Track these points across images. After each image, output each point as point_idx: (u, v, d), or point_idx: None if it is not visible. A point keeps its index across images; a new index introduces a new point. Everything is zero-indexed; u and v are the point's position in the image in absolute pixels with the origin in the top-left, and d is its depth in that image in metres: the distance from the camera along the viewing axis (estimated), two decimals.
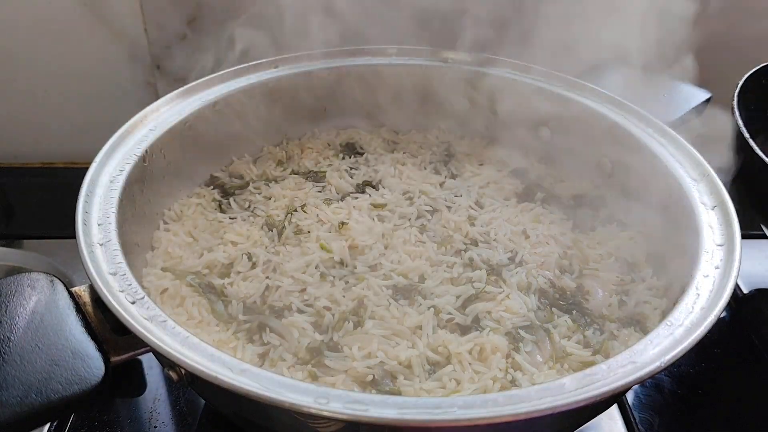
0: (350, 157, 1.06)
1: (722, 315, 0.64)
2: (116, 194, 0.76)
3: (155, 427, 0.82)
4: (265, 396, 0.53)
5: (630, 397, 0.87)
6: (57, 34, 1.21)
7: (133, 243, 0.80)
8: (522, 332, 0.75)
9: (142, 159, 0.84)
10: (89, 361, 0.60)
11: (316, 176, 1.01)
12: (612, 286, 0.83)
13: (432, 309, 0.77)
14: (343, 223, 0.87)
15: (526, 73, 1.04)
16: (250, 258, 0.83)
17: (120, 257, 0.68)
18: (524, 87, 1.02)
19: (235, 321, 0.76)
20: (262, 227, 0.90)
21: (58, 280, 0.67)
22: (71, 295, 0.66)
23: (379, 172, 1.01)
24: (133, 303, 0.63)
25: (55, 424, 0.81)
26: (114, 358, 0.62)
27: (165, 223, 0.90)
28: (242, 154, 1.04)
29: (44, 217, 1.17)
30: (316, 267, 0.82)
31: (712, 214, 0.77)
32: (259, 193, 0.97)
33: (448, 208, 0.93)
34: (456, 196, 0.96)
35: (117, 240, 0.70)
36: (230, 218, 0.92)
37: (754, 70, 1.03)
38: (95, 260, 0.67)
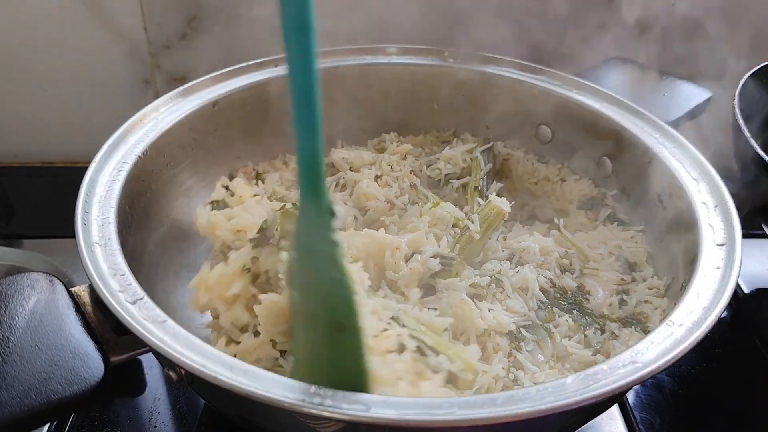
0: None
1: (723, 315, 0.64)
2: (116, 194, 0.76)
3: (155, 427, 0.82)
4: (265, 396, 0.53)
5: (631, 396, 0.87)
6: (56, 33, 1.20)
7: (133, 243, 0.80)
8: (523, 331, 0.75)
9: (142, 158, 0.83)
10: (89, 361, 0.60)
11: None
12: (613, 286, 0.83)
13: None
14: None
15: (527, 71, 1.03)
16: None
17: (120, 257, 0.68)
18: (524, 86, 1.02)
19: None
20: None
21: (58, 280, 0.67)
22: (71, 295, 0.66)
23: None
24: (133, 303, 0.62)
25: (55, 424, 0.81)
26: (114, 358, 0.62)
27: None
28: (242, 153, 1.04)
29: (44, 216, 1.17)
30: None
31: (713, 214, 0.77)
32: None
33: None
34: None
35: (117, 240, 0.70)
36: None
37: (755, 69, 1.03)
38: (95, 260, 0.67)
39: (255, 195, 0.91)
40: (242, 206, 0.85)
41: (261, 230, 0.75)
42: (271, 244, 0.74)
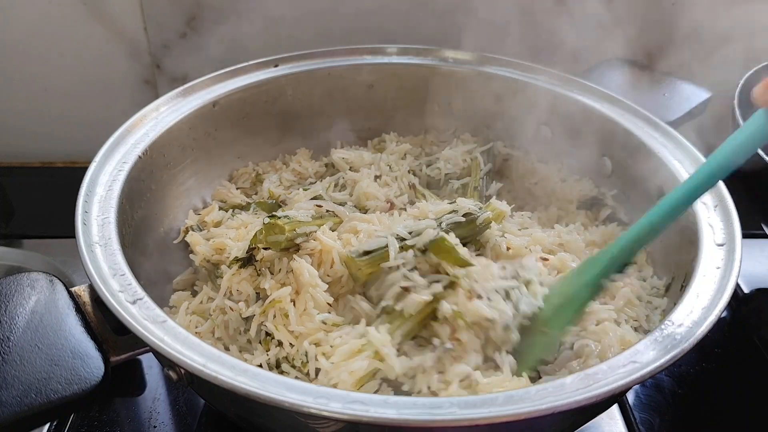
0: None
1: (723, 315, 0.64)
2: (116, 194, 0.76)
3: (155, 427, 0.82)
4: (265, 396, 0.53)
5: (630, 397, 0.87)
6: (56, 33, 1.20)
7: (133, 242, 0.80)
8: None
9: (142, 158, 0.83)
10: (89, 361, 0.60)
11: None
12: None
13: None
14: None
15: (527, 72, 1.03)
16: None
17: (120, 257, 0.68)
18: (524, 86, 1.02)
19: None
20: None
21: (58, 280, 0.67)
22: (71, 294, 0.66)
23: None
24: (132, 303, 0.62)
25: (55, 424, 0.81)
26: (114, 358, 0.62)
27: None
28: (242, 153, 1.04)
29: (44, 216, 1.17)
30: None
31: (713, 214, 0.77)
32: None
33: None
34: None
35: (117, 240, 0.70)
36: None
37: (755, 69, 1.03)
38: (95, 260, 0.67)
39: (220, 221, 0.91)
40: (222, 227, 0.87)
41: (249, 250, 0.77)
42: (254, 266, 0.77)
